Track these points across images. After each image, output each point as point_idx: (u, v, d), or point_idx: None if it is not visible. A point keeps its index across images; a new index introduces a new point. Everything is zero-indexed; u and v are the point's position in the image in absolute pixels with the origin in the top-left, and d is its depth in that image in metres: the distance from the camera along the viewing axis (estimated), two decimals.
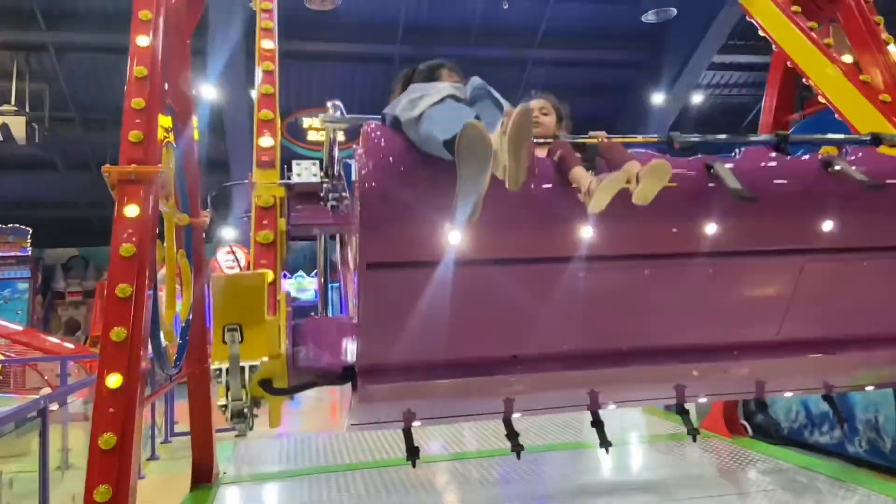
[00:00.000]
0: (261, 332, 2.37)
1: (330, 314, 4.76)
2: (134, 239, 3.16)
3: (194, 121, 4.99)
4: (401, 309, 2.32)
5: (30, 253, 17.40)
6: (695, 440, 3.46)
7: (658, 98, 16.09)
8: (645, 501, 4.68)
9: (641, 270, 2.45)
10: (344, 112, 2.84)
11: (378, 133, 2.24)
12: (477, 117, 2.05)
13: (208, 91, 13.05)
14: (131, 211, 3.22)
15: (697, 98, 17.01)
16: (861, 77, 4.40)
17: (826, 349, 2.91)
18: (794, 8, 4.86)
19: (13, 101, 13.55)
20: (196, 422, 5.38)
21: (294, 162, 3.14)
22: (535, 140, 2.37)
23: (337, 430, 7.26)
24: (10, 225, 17.32)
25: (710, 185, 2.38)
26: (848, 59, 4.57)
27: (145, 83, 3.49)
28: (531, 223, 2.20)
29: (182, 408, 6.60)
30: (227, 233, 16.74)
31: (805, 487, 4.81)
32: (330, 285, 5.00)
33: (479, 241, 2.19)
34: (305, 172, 3.06)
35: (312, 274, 17.02)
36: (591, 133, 2.58)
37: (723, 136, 2.84)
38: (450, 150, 1.99)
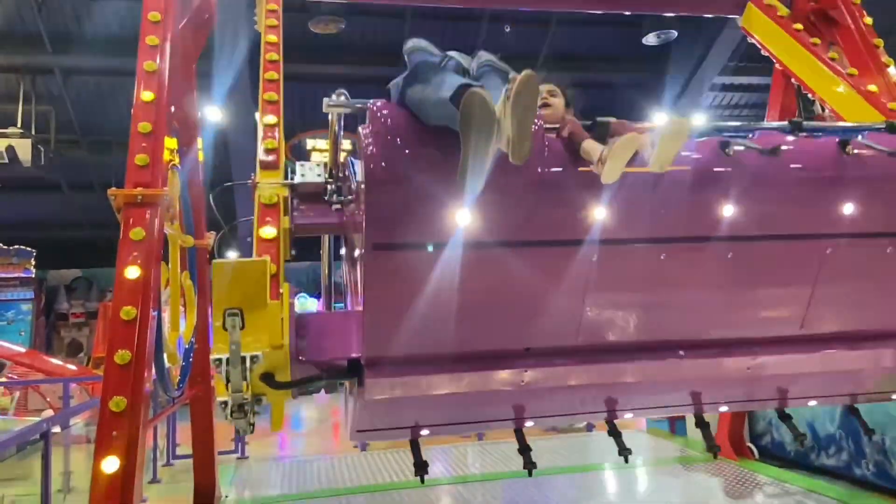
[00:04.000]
0: (263, 318, 2.24)
1: None
2: (139, 261, 3.17)
3: (199, 143, 5.02)
4: (407, 293, 2.22)
5: (34, 274, 17.41)
6: (715, 457, 3.33)
7: (661, 120, 16.19)
8: None
9: (657, 254, 2.34)
10: (349, 98, 2.74)
11: (384, 111, 2.18)
12: (482, 86, 1.98)
13: (213, 113, 13.14)
14: (137, 233, 3.23)
15: (700, 120, 17.09)
16: (868, 87, 4.39)
17: (850, 344, 2.73)
18: (797, 25, 4.90)
19: (19, 124, 13.64)
20: (198, 444, 5.35)
21: (298, 163, 3.09)
22: (544, 126, 2.31)
23: (338, 453, 7.21)
24: (14, 246, 17.36)
25: (727, 164, 2.30)
26: (853, 71, 4.58)
27: (152, 107, 3.52)
28: (541, 203, 2.11)
29: (184, 430, 6.57)
30: (231, 254, 16.76)
31: None
32: (334, 306, 5.00)
33: (488, 222, 2.11)
34: (309, 173, 2.97)
35: (315, 294, 17.02)
36: (600, 119, 2.52)
37: (737, 123, 2.72)
38: (456, 105, 1.90)
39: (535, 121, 2.10)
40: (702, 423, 3.36)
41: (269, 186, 2.97)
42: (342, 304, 4.27)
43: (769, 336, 2.64)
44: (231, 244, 16.64)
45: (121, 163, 3.52)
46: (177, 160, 3.91)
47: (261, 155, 3.29)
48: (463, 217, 2.08)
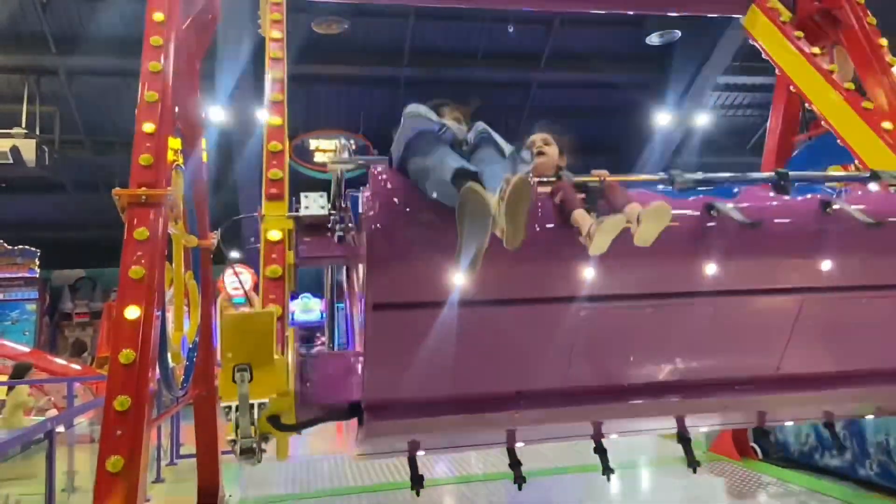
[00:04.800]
0: (270, 371, 2.37)
1: (336, 336, 4.77)
2: (143, 261, 3.17)
3: (203, 143, 5.03)
4: (407, 347, 2.36)
5: (38, 274, 17.46)
6: (695, 472, 3.39)
7: (663, 119, 16.15)
8: None
9: (643, 309, 2.47)
10: (351, 149, 2.91)
11: (384, 176, 2.31)
12: (477, 173, 2.13)
13: (216, 113, 13.17)
14: (141, 233, 3.24)
15: (703, 119, 17.05)
16: (863, 104, 4.42)
17: (825, 384, 2.90)
18: (797, 33, 4.89)
19: (23, 124, 13.68)
20: (202, 444, 5.36)
21: (302, 194, 3.17)
22: (538, 178, 2.47)
23: (343, 453, 7.22)
24: (18, 246, 17.41)
25: (711, 224, 2.42)
26: (850, 86, 4.60)
27: (156, 108, 3.53)
28: (534, 264, 2.22)
29: (187, 430, 6.58)
30: (235, 254, 16.78)
31: None
32: (336, 305, 5.02)
33: (483, 282, 2.21)
34: (313, 205, 3.08)
35: (318, 294, 17.05)
36: (594, 172, 2.62)
37: (724, 175, 2.85)
38: (456, 186, 2.05)
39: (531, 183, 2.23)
40: (683, 440, 3.44)
41: (274, 220, 3.09)
42: (342, 304, 4.29)
43: (747, 376, 2.79)
44: (234, 243, 16.68)
45: (125, 163, 3.53)
46: (180, 160, 3.93)
47: (266, 186, 3.34)
48: (460, 279, 2.21)
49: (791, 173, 2.70)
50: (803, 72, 4.83)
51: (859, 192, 2.81)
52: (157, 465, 6.79)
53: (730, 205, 2.42)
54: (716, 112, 17.81)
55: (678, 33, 13.64)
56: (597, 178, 2.55)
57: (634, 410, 2.83)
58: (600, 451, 3.29)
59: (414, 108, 2.64)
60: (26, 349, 13.42)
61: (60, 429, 4.95)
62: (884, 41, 4.72)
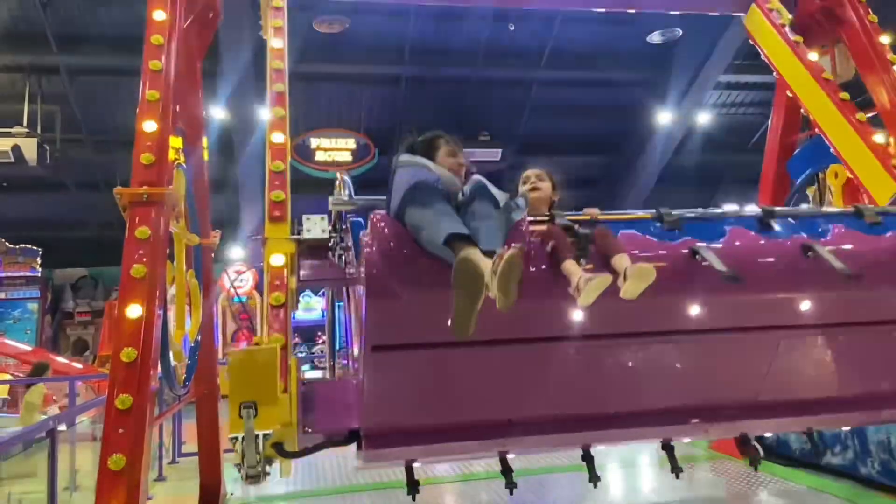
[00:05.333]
0: (274, 406, 2.54)
1: (337, 335, 4.81)
2: (145, 260, 3.18)
3: (204, 142, 5.04)
4: (403, 384, 2.50)
5: (39, 273, 17.47)
6: (677, 477, 3.45)
7: (664, 118, 16.14)
8: None
9: (629, 346, 2.59)
10: (351, 185, 3.03)
11: (383, 224, 2.44)
12: (470, 236, 2.27)
13: (217, 112, 13.17)
14: (142, 232, 3.24)
15: (704, 117, 17.03)
16: (857, 116, 4.49)
17: (802, 410, 3.02)
18: (796, 38, 4.89)
19: (25, 123, 13.68)
20: (203, 442, 5.37)
21: (304, 217, 3.25)
22: (531, 218, 2.63)
23: (344, 451, 7.22)
24: (20, 245, 17.42)
25: (695, 268, 2.53)
26: (846, 96, 4.64)
27: (157, 106, 3.53)
28: (527, 306, 2.26)
29: (189, 428, 6.59)
30: (236, 252, 16.80)
31: None
32: (337, 304, 5.04)
33: (478, 323, 2.29)
34: (315, 228, 3.16)
35: (319, 293, 17.05)
36: (585, 210, 2.79)
37: (712, 211, 2.98)
38: (451, 248, 2.21)
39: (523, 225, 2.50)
40: (667, 447, 3.50)
41: (277, 244, 3.18)
42: (342, 302, 4.31)
43: (728, 403, 2.90)
44: (236, 242, 16.65)
45: (126, 162, 3.53)
46: (182, 159, 3.93)
47: (269, 208, 3.39)
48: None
49: (776, 209, 2.83)
50: (799, 76, 4.87)
51: (842, 231, 2.87)
52: (159, 464, 6.80)
53: (712, 253, 2.53)
54: (717, 110, 17.78)
55: (679, 31, 13.61)
56: (588, 217, 2.70)
57: (621, 435, 3.00)
58: (587, 458, 3.35)
59: (408, 157, 2.73)
60: (28, 348, 13.45)
61: (62, 427, 4.96)
62: (885, 39, 4.71)
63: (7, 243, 17.05)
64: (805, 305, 2.67)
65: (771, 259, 2.68)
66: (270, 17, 4.39)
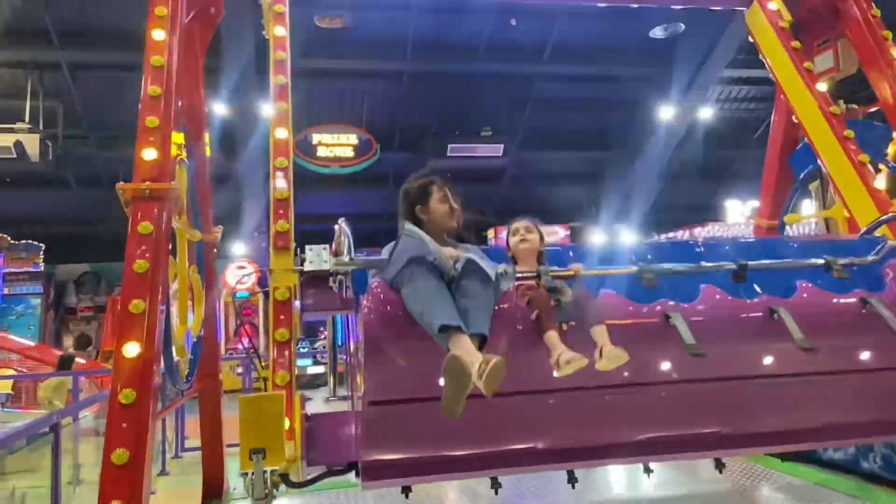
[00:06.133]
0: (281, 449, 2.79)
1: (338, 335, 4.92)
2: (147, 255, 3.18)
3: (206, 137, 5.04)
4: (399, 432, 2.77)
5: (42, 269, 17.51)
6: (648, 477, 3.67)
7: (667, 113, 16.11)
8: None
9: (608, 396, 2.86)
10: (350, 235, 3.20)
11: (379, 290, 2.77)
12: (462, 309, 2.57)
13: (220, 107, 13.18)
14: (145, 228, 3.25)
15: (707, 112, 17.00)
16: (845, 133, 4.55)
17: (775, 440, 3.23)
18: (795, 43, 4.89)
19: (27, 119, 13.71)
20: (206, 437, 5.38)
21: (307, 247, 3.34)
22: (520, 274, 2.94)
23: None
24: (22, 241, 17.45)
25: (667, 333, 2.85)
26: (836, 110, 4.69)
27: (159, 102, 3.53)
28: (513, 364, 2.50)
29: (192, 423, 6.61)
30: (238, 248, 16.82)
31: None
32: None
33: None
34: (317, 259, 3.27)
35: None
36: (571, 266, 3.07)
37: (686, 266, 3.18)
38: (442, 335, 2.49)
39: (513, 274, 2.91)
40: (647, 470, 3.69)
41: (282, 277, 3.34)
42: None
43: (706, 435, 3.08)
44: (239, 237, 16.65)
45: (129, 157, 3.53)
46: (184, 155, 3.93)
47: (274, 238, 3.47)
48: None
49: (750, 264, 3.04)
50: (793, 83, 4.91)
51: (808, 290, 3.11)
52: (162, 458, 6.83)
53: (683, 322, 2.83)
54: (720, 105, 17.76)
55: (682, 26, 13.58)
56: (572, 272, 2.98)
57: (601, 462, 3.39)
58: (571, 476, 3.61)
59: (411, 229, 3.01)
60: (31, 343, 13.47)
61: (66, 422, 4.98)
62: (888, 33, 4.70)
63: (10, 239, 17.09)
64: (768, 360, 2.97)
65: (739, 317, 2.99)
66: (272, 22, 4.37)
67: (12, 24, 12.84)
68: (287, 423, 2.90)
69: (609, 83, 16.87)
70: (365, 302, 2.78)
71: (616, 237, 19.28)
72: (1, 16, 12.60)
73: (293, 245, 3.49)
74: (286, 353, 3.22)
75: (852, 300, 3.05)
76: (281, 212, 3.60)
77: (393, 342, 2.67)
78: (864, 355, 3.05)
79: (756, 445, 3.34)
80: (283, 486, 3.05)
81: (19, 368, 12.30)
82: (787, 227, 5.96)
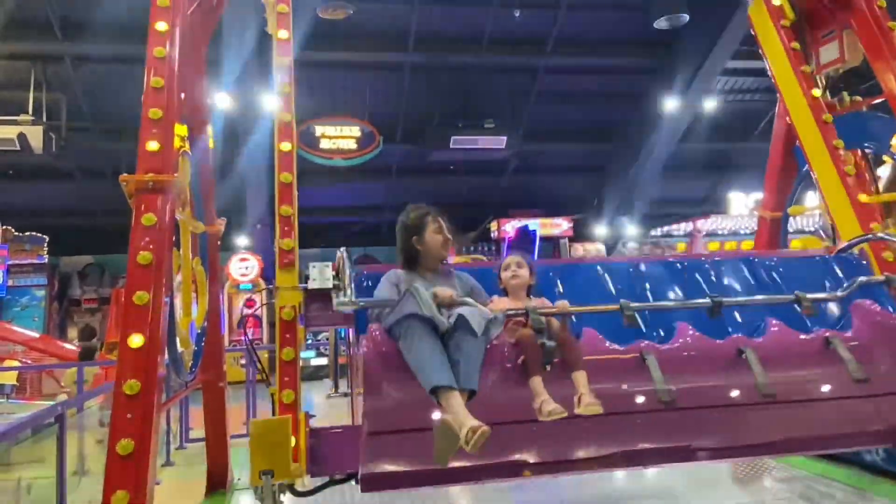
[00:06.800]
0: (287, 469, 3.06)
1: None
2: (151, 247, 3.19)
3: (209, 129, 5.04)
4: (397, 456, 3.02)
5: (46, 261, 17.54)
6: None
7: (671, 104, 16.04)
8: None
9: (582, 424, 3.04)
10: (348, 259, 3.38)
11: (377, 334, 3.04)
12: (454, 362, 2.83)
13: (222, 99, 13.16)
14: (148, 219, 3.26)
15: (710, 104, 16.93)
16: (834, 142, 4.60)
17: (757, 451, 3.64)
18: (794, 45, 4.87)
19: (30, 111, 13.71)
20: (211, 428, 5.42)
21: (311, 264, 3.46)
22: (508, 312, 3.18)
23: None
24: (27, 233, 17.46)
25: (642, 372, 3.14)
26: (828, 117, 4.73)
27: (162, 93, 3.53)
28: (499, 400, 2.95)
29: (196, 414, 6.64)
30: (241, 240, 16.84)
31: (822, 496, 4.78)
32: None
33: None
34: (320, 277, 3.43)
35: None
36: (557, 303, 3.29)
37: (668, 303, 3.74)
38: (434, 394, 2.76)
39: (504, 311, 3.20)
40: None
41: (288, 296, 3.45)
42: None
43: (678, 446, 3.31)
44: (242, 229, 16.64)
45: (132, 149, 3.54)
46: (187, 146, 3.93)
47: (279, 256, 3.53)
48: (438, 414, 2.85)
49: (725, 300, 3.33)
50: (789, 86, 4.92)
51: (775, 330, 3.41)
52: (166, 449, 6.86)
53: (656, 365, 3.12)
54: (724, 97, 17.68)
55: (686, 17, 13.49)
56: (558, 310, 3.20)
57: (594, 469, 3.47)
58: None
59: (413, 284, 3.10)
60: (35, 334, 13.54)
61: (71, 412, 4.99)
62: (894, 24, 4.67)
63: (14, 231, 17.12)
64: (736, 392, 3.23)
65: (709, 356, 3.26)
66: (276, 24, 4.33)
67: (16, 17, 12.83)
68: (293, 441, 3.12)
69: (612, 74, 16.82)
70: (364, 342, 3.06)
71: (618, 230, 19.28)
72: (4, 8, 12.58)
73: (297, 263, 3.58)
74: (291, 371, 3.33)
75: (815, 340, 3.35)
76: (286, 228, 3.61)
77: (390, 380, 2.96)
78: (822, 388, 3.33)
79: (729, 457, 3.72)
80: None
81: (24, 360, 12.36)
82: (791, 219, 5.95)
